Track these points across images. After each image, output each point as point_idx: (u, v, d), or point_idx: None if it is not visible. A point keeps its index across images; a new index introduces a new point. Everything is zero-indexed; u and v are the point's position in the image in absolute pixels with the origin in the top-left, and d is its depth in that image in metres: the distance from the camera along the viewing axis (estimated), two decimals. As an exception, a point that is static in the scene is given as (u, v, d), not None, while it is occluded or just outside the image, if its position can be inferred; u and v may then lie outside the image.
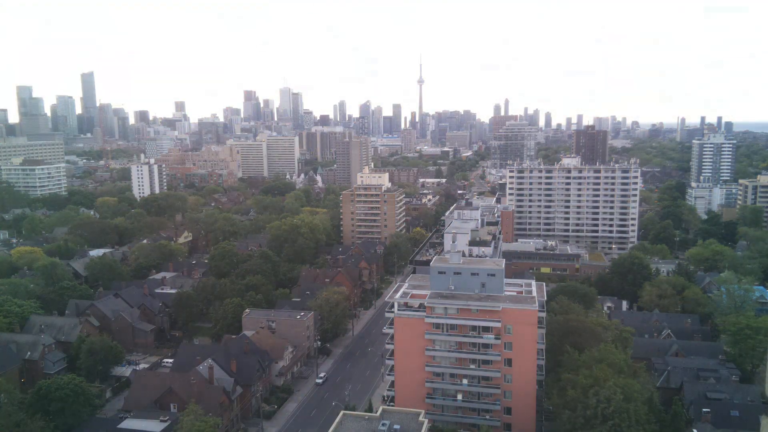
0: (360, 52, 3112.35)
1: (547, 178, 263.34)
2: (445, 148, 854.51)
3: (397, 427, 75.56)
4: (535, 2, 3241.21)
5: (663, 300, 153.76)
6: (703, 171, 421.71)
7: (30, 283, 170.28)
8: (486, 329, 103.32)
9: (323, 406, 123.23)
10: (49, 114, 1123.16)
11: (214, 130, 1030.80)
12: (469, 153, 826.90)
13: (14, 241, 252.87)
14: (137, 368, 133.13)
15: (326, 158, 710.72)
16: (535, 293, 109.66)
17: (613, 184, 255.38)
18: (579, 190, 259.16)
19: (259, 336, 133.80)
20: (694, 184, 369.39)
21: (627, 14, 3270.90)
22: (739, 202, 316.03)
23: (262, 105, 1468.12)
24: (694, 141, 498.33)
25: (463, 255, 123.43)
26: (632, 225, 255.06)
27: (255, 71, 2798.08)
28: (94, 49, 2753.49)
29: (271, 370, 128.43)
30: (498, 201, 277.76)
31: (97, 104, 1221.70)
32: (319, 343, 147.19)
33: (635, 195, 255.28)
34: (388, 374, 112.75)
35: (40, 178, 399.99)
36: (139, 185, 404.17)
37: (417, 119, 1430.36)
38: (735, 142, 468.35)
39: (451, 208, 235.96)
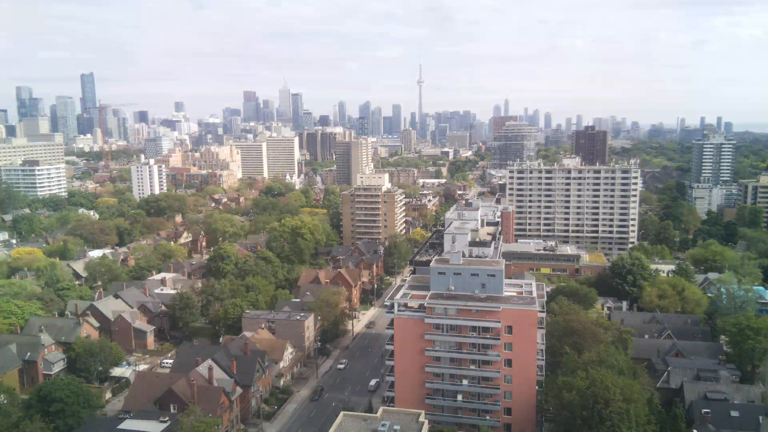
0: (360, 52, 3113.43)
1: (547, 178, 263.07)
2: (445, 149, 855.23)
3: (397, 427, 75.48)
4: (534, 3, 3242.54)
5: (663, 300, 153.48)
6: (703, 171, 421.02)
7: (30, 284, 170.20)
8: (486, 330, 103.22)
9: (323, 407, 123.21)
10: (48, 114, 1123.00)
11: (213, 131, 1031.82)
12: (469, 153, 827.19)
13: (14, 242, 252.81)
14: (137, 369, 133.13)
15: (326, 159, 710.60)
16: (535, 293, 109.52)
17: (613, 184, 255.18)
18: (579, 190, 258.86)
19: (259, 337, 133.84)
20: (694, 185, 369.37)
21: (626, 14, 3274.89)
22: (739, 202, 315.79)
23: (261, 105, 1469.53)
24: (694, 141, 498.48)
25: (463, 255, 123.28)
26: (632, 225, 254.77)
27: (255, 71, 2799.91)
28: (94, 48, 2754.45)
29: (270, 371, 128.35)
30: (498, 201, 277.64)
31: (97, 104, 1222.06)
32: (319, 343, 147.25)
33: (635, 195, 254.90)
34: (388, 375, 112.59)
35: (39, 179, 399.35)
36: (138, 186, 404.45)
37: (417, 119, 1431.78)
38: (735, 142, 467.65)
39: (451, 208, 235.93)
